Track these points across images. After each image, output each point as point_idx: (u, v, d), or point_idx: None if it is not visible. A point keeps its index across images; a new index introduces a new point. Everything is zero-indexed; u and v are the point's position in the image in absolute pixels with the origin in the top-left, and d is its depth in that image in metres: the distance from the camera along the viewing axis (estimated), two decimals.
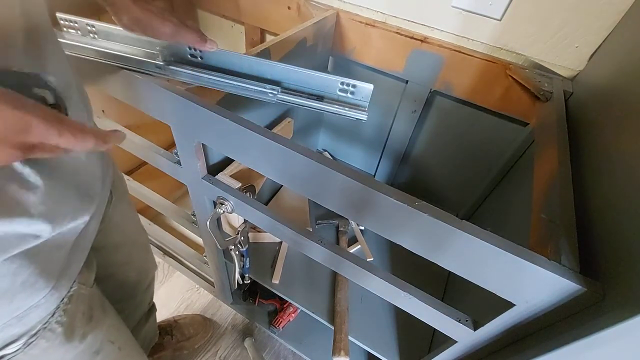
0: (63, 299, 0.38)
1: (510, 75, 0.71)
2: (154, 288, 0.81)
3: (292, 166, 0.42)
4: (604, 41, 0.62)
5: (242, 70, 0.49)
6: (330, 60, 0.94)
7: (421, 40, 0.78)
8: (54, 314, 0.38)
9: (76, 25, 0.48)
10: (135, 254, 0.68)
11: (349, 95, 0.47)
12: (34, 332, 0.36)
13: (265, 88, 0.48)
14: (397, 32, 0.79)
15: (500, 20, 0.69)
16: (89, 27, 0.48)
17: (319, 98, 0.48)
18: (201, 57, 0.49)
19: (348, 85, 0.47)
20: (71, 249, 0.39)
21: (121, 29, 0.43)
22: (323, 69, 0.95)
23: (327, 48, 0.89)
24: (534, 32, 0.68)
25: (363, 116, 0.47)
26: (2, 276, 0.31)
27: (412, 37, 0.79)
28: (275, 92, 0.47)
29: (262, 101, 0.48)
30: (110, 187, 0.49)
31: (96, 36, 0.49)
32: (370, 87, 0.46)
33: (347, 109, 0.47)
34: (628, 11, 0.57)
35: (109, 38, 0.48)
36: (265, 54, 0.65)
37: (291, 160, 0.41)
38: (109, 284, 0.62)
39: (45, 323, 0.37)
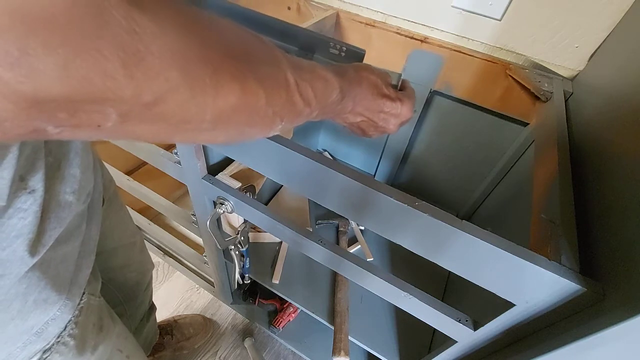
0: (75, 310, 0.38)
1: (510, 75, 0.71)
2: (153, 287, 0.81)
3: (292, 166, 0.42)
4: (604, 41, 0.62)
5: None
6: None
7: (421, 40, 0.78)
8: (66, 327, 0.37)
9: None
10: (134, 255, 0.68)
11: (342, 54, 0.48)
12: (48, 346, 0.35)
13: None
14: (397, 32, 0.79)
15: (500, 20, 0.69)
16: None
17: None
18: None
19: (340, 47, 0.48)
20: (78, 255, 0.38)
21: None
22: None
23: None
24: (534, 32, 0.68)
25: None
26: (12, 299, 0.30)
27: (412, 37, 0.79)
28: None
29: None
30: (101, 189, 0.48)
31: None
32: (362, 52, 0.46)
33: None
34: (628, 11, 0.57)
35: None
36: None
37: (291, 161, 0.41)
38: (110, 287, 0.62)
39: (58, 337, 0.36)
